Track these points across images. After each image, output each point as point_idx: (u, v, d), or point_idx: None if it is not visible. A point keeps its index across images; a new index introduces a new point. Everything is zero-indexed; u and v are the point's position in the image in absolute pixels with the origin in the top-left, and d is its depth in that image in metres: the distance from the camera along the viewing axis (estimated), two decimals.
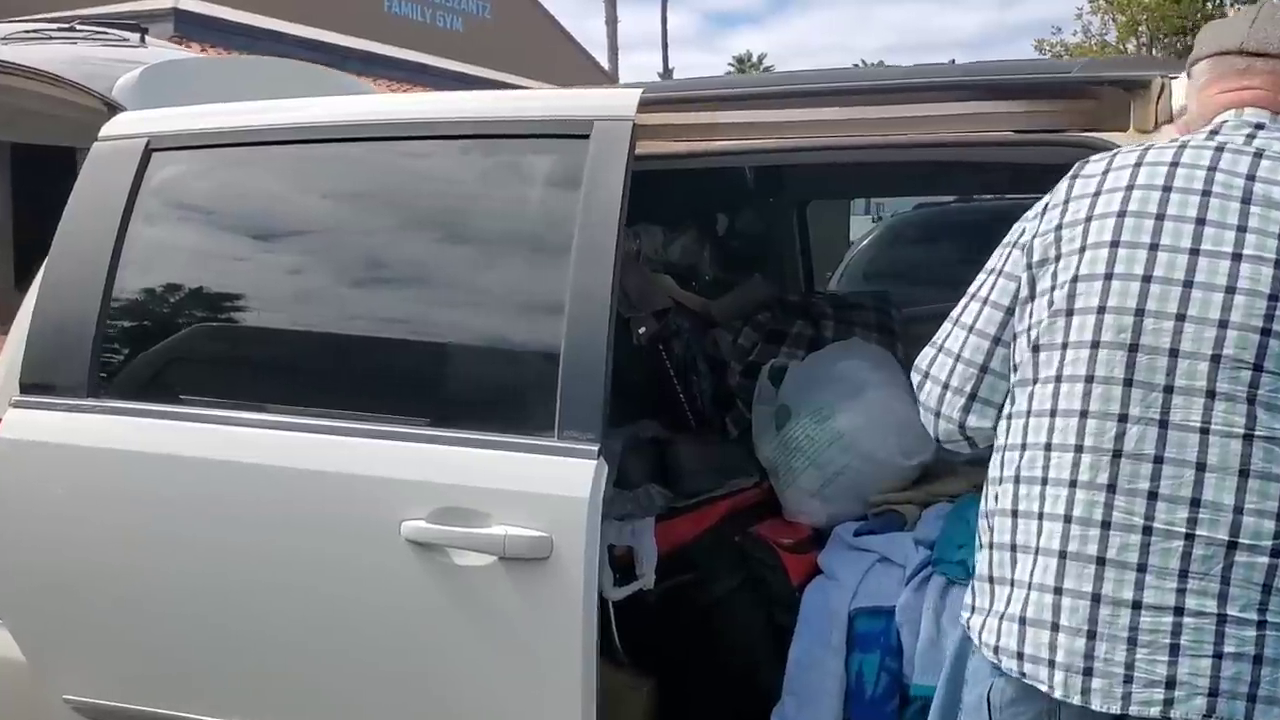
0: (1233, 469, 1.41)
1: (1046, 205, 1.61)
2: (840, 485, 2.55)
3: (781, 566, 2.46)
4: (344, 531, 2.12)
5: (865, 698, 2.28)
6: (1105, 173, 1.56)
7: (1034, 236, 1.59)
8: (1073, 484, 1.47)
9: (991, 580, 1.57)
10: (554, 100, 2.29)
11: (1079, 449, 1.47)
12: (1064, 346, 1.50)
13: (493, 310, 2.22)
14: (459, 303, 2.25)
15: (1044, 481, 1.50)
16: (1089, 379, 1.47)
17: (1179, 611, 1.40)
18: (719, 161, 2.27)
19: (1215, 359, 1.42)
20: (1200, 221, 1.47)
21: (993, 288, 1.64)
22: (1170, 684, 1.40)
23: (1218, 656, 1.39)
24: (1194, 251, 1.47)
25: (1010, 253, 1.63)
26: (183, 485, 2.22)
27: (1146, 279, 1.47)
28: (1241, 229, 1.45)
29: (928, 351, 1.72)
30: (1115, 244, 1.50)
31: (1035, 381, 1.54)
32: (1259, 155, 1.50)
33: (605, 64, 24.48)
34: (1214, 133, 1.56)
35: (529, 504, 2.00)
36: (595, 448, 2.00)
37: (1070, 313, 1.51)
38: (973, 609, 1.60)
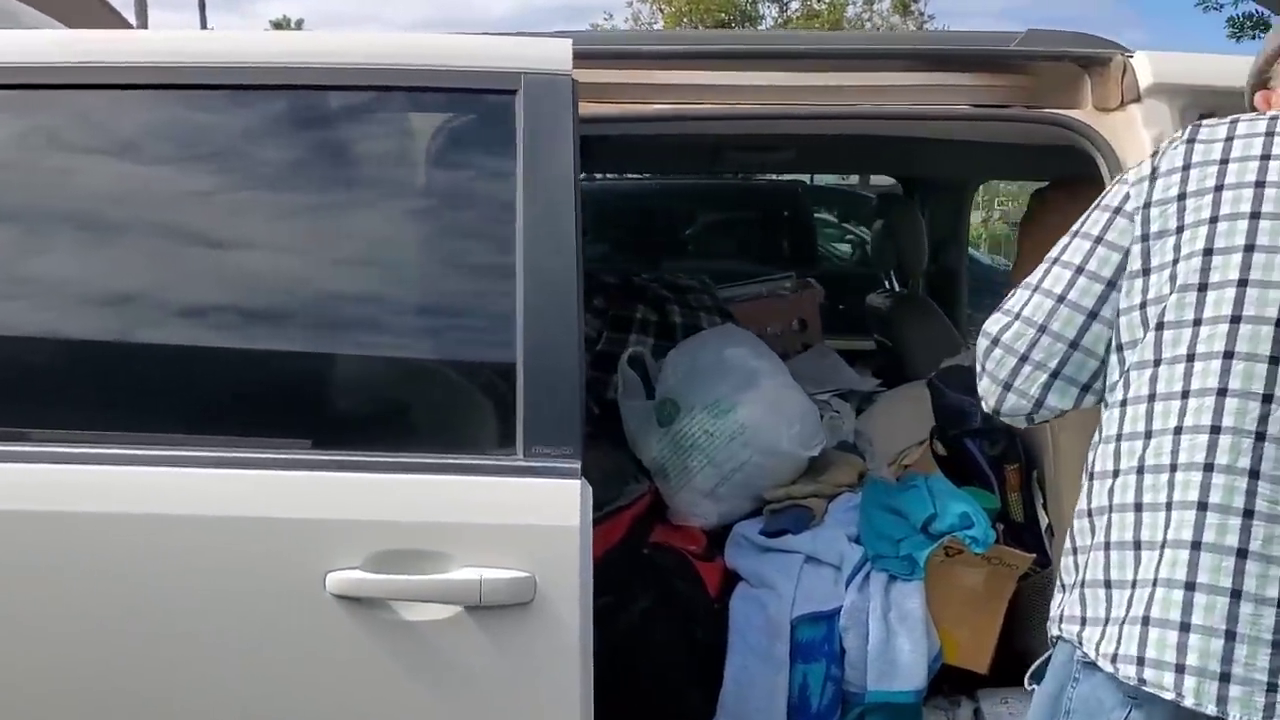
0: None
1: (1156, 170, 1.45)
2: (735, 482, 2.36)
3: (698, 577, 2.24)
4: (252, 595, 1.64)
5: (811, 711, 2.12)
6: (1230, 139, 1.43)
7: (1145, 205, 1.44)
8: (1209, 468, 1.33)
9: (1109, 585, 1.40)
10: (461, 48, 1.89)
11: (1216, 430, 1.33)
12: (1196, 323, 1.36)
13: (415, 304, 1.82)
14: (367, 295, 1.81)
15: (1173, 468, 1.36)
16: (1229, 355, 1.34)
17: (1231, 595, 1.30)
18: (658, 128, 1.99)
19: (1274, 329, 1.33)
20: None
21: (1090, 255, 1.47)
22: None
23: None
24: (1265, 216, 1.37)
25: (1113, 219, 1.47)
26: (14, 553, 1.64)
27: (1250, 248, 1.36)
28: None
29: (1000, 318, 1.53)
30: (1256, 215, 1.37)
31: (1159, 363, 1.38)
32: None
33: (134, 21, 22.40)
34: None
35: (503, 538, 1.65)
36: (576, 465, 1.68)
37: (1204, 287, 1.37)
38: (1083, 620, 1.42)
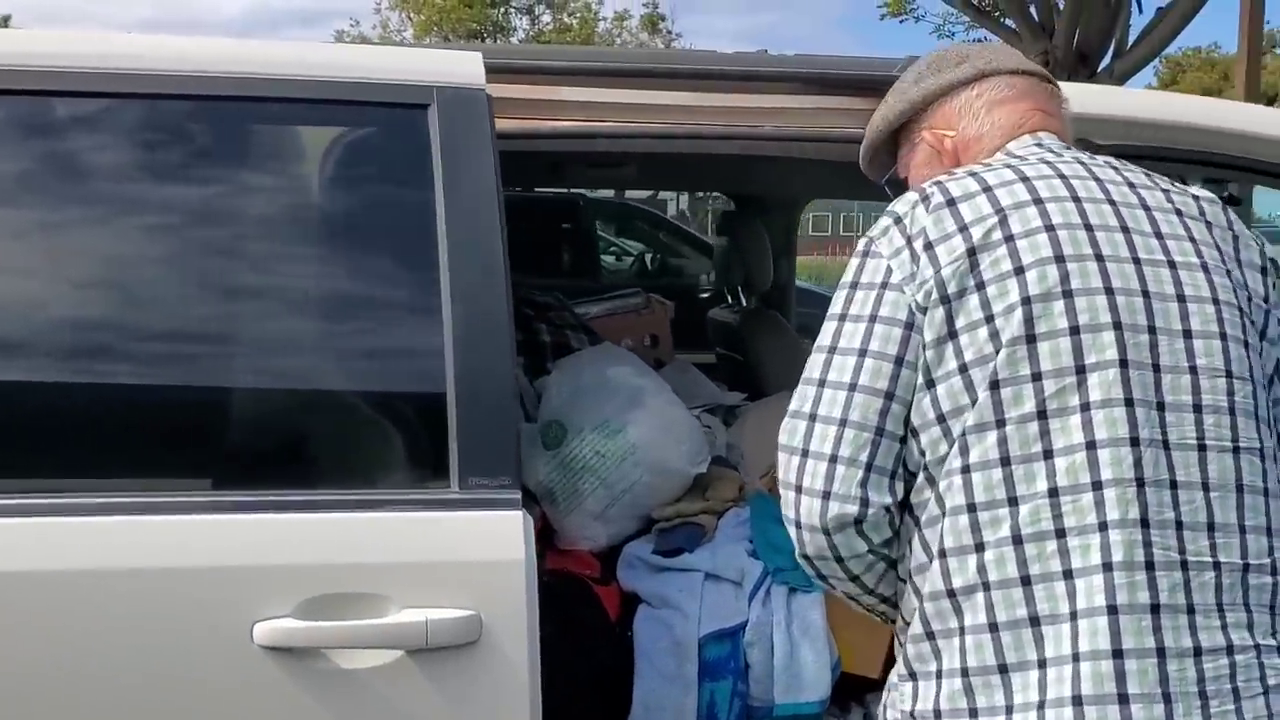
0: (1230, 485, 1.31)
1: (926, 236, 1.37)
2: (625, 503, 2.34)
3: (598, 603, 2.21)
4: (171, 654, 1.50)
5: None
6: (988, 189, 1.39)
7: (930, 272, 1.35)
8: (1103, 526, 1.27)
9: (1005, 670, 1.29)
10: (367, 59, 1.80)
11: (1098, 485, 1.28)
12: (1035, 377, 1.31)
13: (329, 330, 1.70)
14: (286, 321, 1.68)
15: (1059, 533, 1.28)
16: (1085, 407, 1.30)
17: (1230, 650, 1.28)
18: (558, 145, 1.95)
19: (1193, 370, 1.33)
20: (1124, 230, 1.38)
21: (869, 335, 1.37)
22: None
23: (1265, 692, 1.29)
24: (1135, 260, 1.36)
25: (881, 294, 1.38)
26: None
27: (1109, 291, 1.33)
28: (1159, 235, 1.38)
29: (794, 424, 1.39)
30: (1061, 259, 1.34)
31: (1003, 423, 1.31)
32: (1112, 166, 1.45)
33: None
34: (1044, 147, 1.48)
35: (443, 576, 1.57)
36: (516, 495, 1.62)
37: (1032, 339, 1.31)
38: (973, 711, 1.30)
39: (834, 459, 1.35)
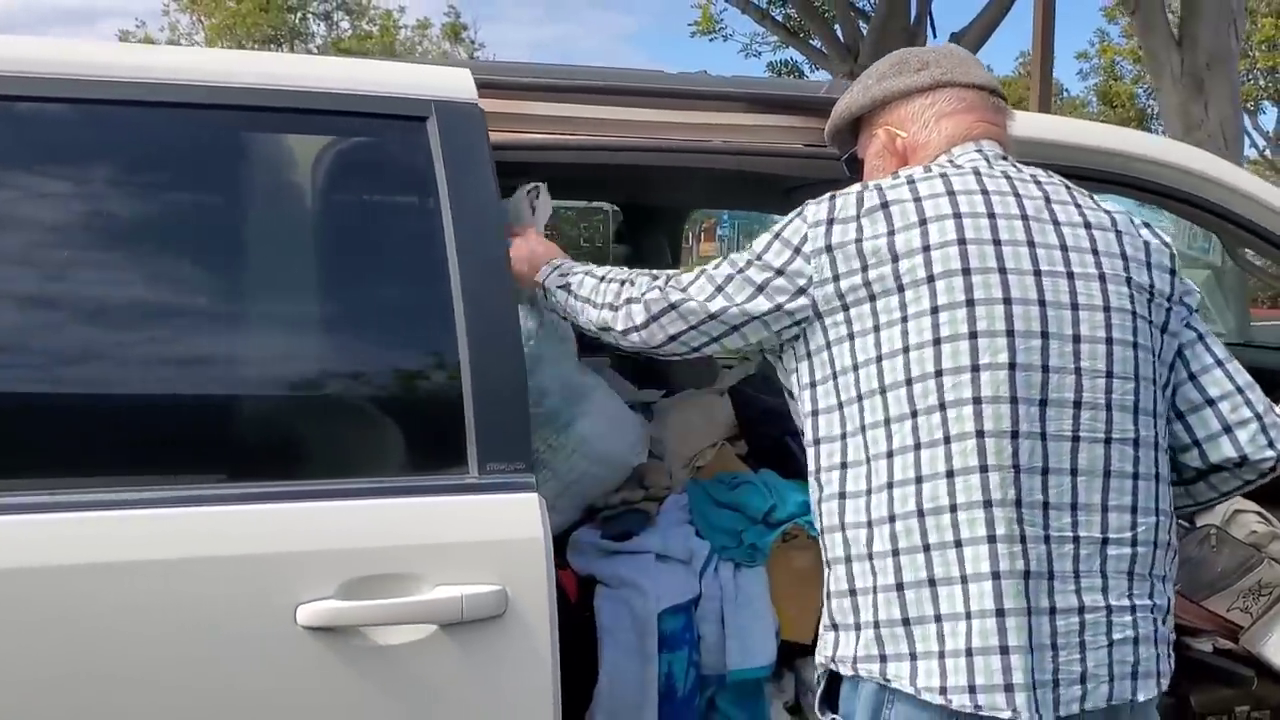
0: (1098, 471, 1.52)
1: (859, 228, 1.58)
2: (573, 493, 2.48)
3: (561, 585, 2.34)
4: (217, 639, 1.57)
5: (677, 697, 2.30)
6: (916, 200, 1.58)
7: (857, 264, 1.57)
8: (987, 504, 1.48)
9: (907, 622, 1.51)
10: (375, 74, 1.90)
11: (984, 469, 1.48)
12: (938, 374, 1.51)
13: (350, 329, 1.79)
14: (310, 324, 1.77)
15: (953, 509, 1.49)
16: (977, 400, 1.49)
17: (1081, 610, 1.49)
18: (531, 156, 2.07)
19: (1077, 371, 1.52)
20: (1030, 244, 1.56)
21: (768, 285, 1.63)
22: (1083, 679, 1.49)
23: (1110, 645, 1.50)
24: (1036, 273, 1.54)
25: (793, 257, 1.62)
26: None
27: (1007, 301, 1.52)
28: (1063, 248, 1.57)
29: (672, 290, 1.73)
30: (967, 271, 1.53)
31: (915, 414, 1.51)
32: (1035, 181, 1.64)
33: None
34: (982, 155, 1.68)
35: (474, 555, 1.69)
36: (531, 479, 1.76)
37: (938, 341, 1.51)
38: (882, 658, 1.52)
39: (692, 328, 1.72)
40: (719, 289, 1.69)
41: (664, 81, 2.27)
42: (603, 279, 1.86)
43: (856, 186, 1.65)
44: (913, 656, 1.50)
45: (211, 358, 1.71)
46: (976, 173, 1.64)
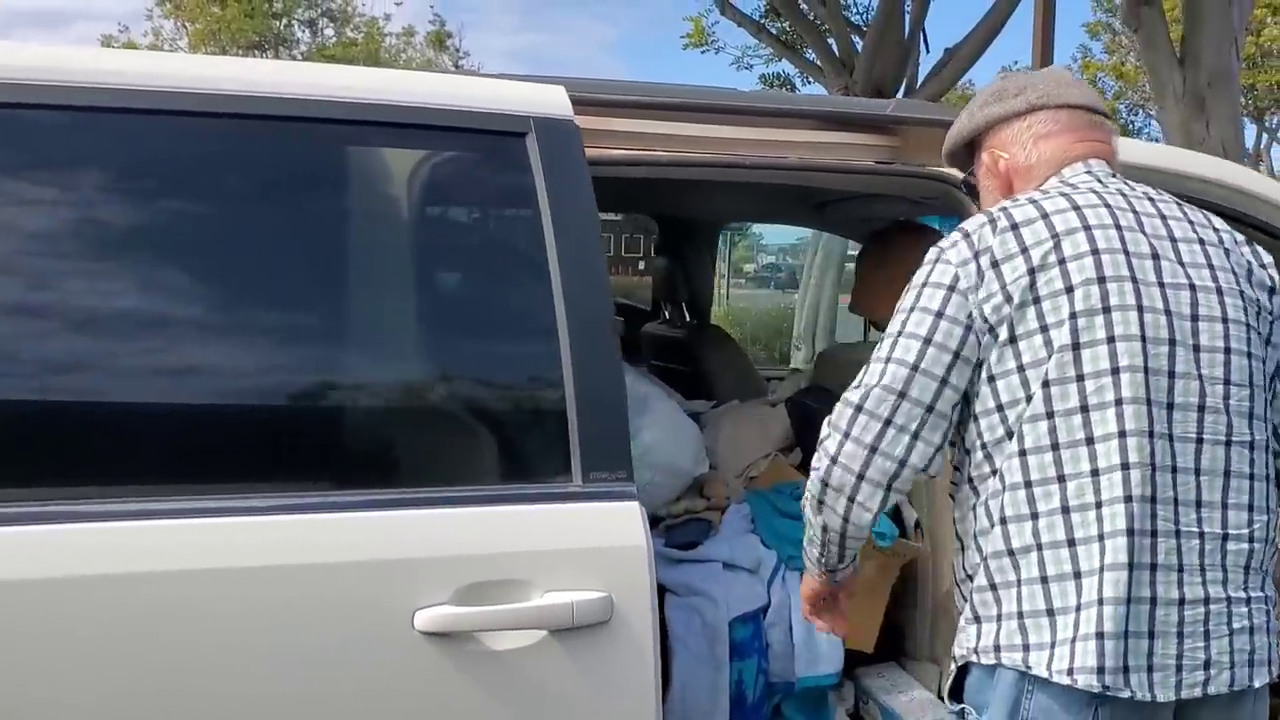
0: (1219, 471, 1.59)
1: (992, 254, 1.63)
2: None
3: None
4: (335, 645, 1.60)
5: (747, 703, 2.33)
6: (1045, 216, 1.65)
7: (997, 286, 1.61)
8: (1128, 499, 1.55)
9: (1052, 613, 1.58)
10: (475, 90, 1.93)
11: (1126, 467, 1.56)
12: (1079, 379, 1.57)
13: (454, 341, 1.82)
14: (419, 337, 1.80)
15: (1097, 505, 1.56)
16: (1119, 402, 1.56)
17: (1206, 601, 1.57)
18: (618, 172, 2.11)
19: (1200, 377, 1.60)
20: (1154, 257, 1.64)
21: (934, 328, 1.62)
22: (1206, 665, 1.56)
23: (1230, 634, 1.58)
24: (1160, 285, 1.62)
25: (948, 296, 1.63)
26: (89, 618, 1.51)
27: (1139, 308, 1.60)
28: (1181, 262, 1.64)
29: (860, 389, 1.64)
30: (1102, 279, 1.60)
31: (1052, 415, 1.58)
32: (1149, 198, 1.71)
33: None
34: (1093, 175, 1.74)
35: (582, 562, 1.72)
36: (632, 488, 1.79)
37: (1077, 346, 1.58)
38: (1025, 646, 1.59)
39: (888, 423, 1.61)
40: (889, 360, 1.65)
41: (741, 99, 2.31)
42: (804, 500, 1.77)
43: (981, 216, 1.71)
44: (1053, 644, 1.57)
45: (335, 369, 1.74)
46: (1094, 190, 1.71)
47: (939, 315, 1.63)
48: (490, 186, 1.93)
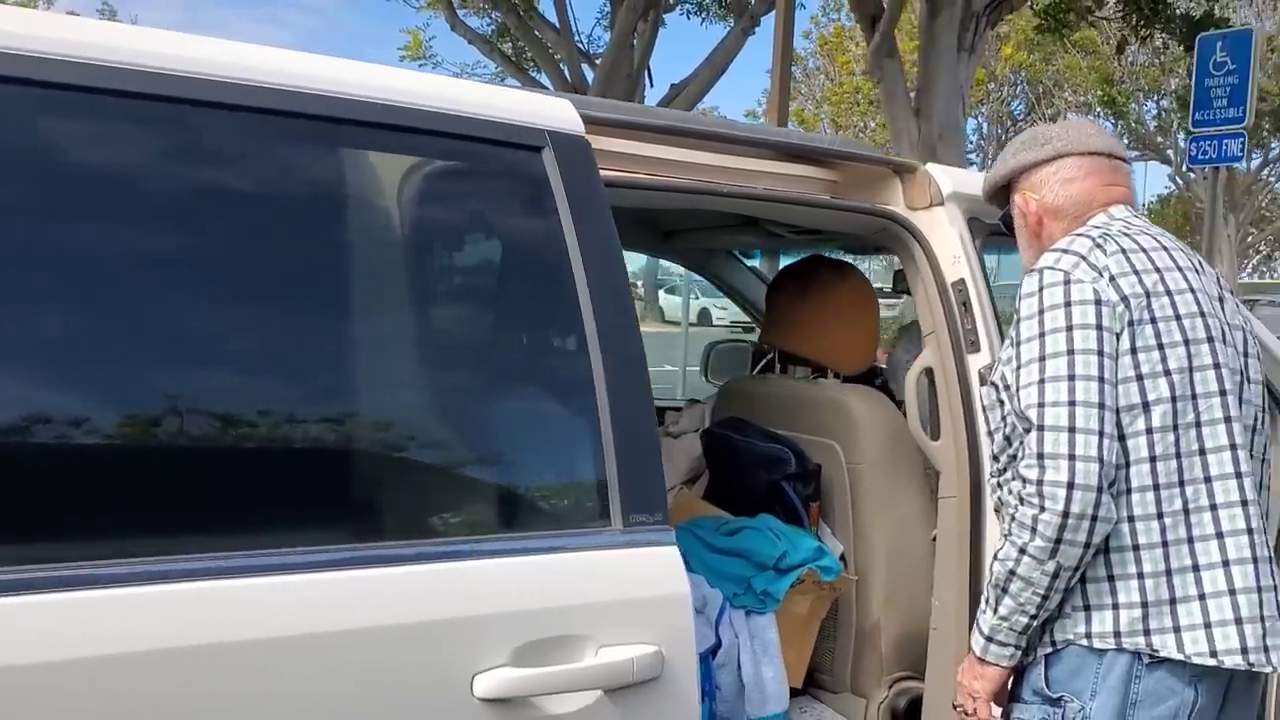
0: (1257, 479, 1.84)
1: (1109, 271, 1.77)
2: None
3: None
4: (395, 713, 1.39)
5: None
6: (1144, 250, 1.82)
7: (1122, 296, 1.76)
8: (1244, 503, 1.77)
9: (1173, 602, 1.74)
10: (492, 99, 1.76)
11: (1239, 475, 1.78)
12: (1193, 397, 1.76)
13: (494, 380, 1.65)
14: (452, 380, 1.61)
15: (1213, 507, 1.76)
16: (1227, 420, 1.78)
17: (1274, 589, 1.79)
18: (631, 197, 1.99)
19: (1253, 405, 1.87)
20: (1221, 300, 1.88)
21: (1100, 341, 1.74)
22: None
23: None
24: (1228, 324, 1.85)
25: (1099, 310, 1.75)
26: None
27: (1209, 340, 1.80)
28: (1208, 296, 1.84)
29: (1057, 410, 1.71)
30: (1202, 314, 1.81)
31: (1176, 428, 1.75)
32: (1164, 237, 1.89)
33: None
34: (1123, 219, 1.93)
35: (631, 613, 1.60)
36: (670, 530, 1.68)
37: (1188, 370, 1.76)
38: (1146, 631, 1.74)
39: (1101, 434, 1.71)
40: (1074, 378, 1.73)
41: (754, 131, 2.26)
42: (998, 559, 1.80)
43: (1077, 242, 1.82)
44: (1176, 629, 1.73)
45: (381, 418, 1.54)
46: (1146, 233, 1.87)
47: (1098, 328, 1.74)
48: (507, 203, 1.77)
